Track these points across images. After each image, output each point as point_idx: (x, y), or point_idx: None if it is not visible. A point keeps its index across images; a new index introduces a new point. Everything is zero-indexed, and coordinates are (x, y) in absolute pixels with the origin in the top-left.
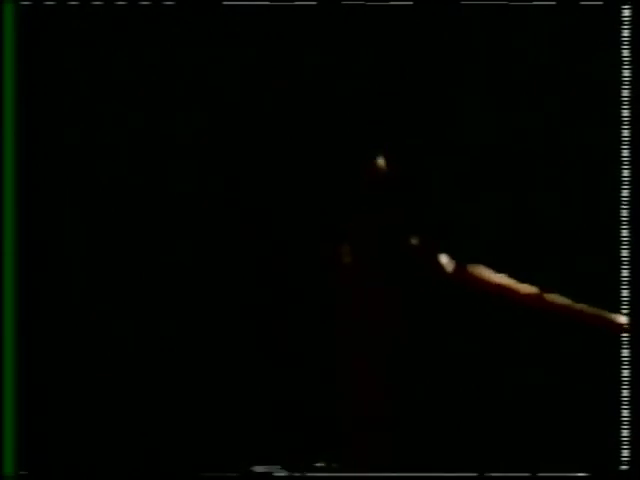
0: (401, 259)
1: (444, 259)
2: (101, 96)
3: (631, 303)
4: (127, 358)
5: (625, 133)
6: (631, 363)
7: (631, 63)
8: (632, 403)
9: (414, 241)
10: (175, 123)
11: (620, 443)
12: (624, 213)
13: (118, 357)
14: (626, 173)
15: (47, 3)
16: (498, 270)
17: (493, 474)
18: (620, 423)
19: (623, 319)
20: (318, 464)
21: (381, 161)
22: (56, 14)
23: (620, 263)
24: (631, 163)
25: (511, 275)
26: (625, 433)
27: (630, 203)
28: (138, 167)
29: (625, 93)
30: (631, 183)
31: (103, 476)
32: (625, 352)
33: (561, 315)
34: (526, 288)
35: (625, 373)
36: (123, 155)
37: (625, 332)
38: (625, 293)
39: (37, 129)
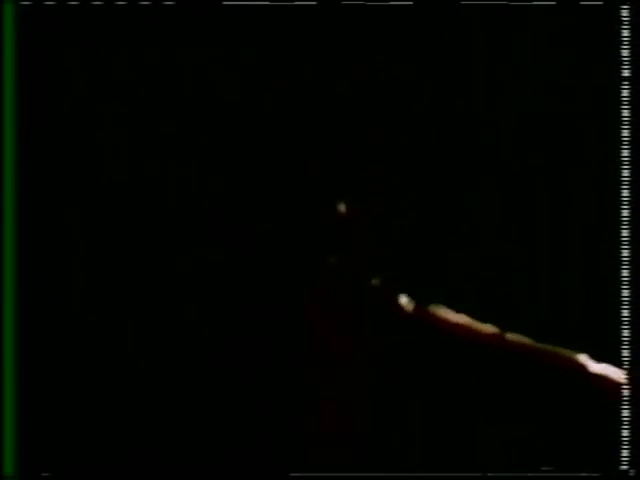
0: (363, 301)
1: (404, 299)
2: (101, 96)
3: (631, 303)
4: (128, 358)
5: (625, 133)
6: (631, 363)
7: (631, 63)
8: (632, 403)
9: (374, 282)
10: (175, 123)
11: (620, 443)
12: (624, 213)
13: (119, 357)
14: (626, 173)
15: (47, 3)
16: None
17: (491, 474)
18: (620, 423)
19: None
20: None
21: (342, 205)
22: (56, 14)
23: (620, 263)
24: (631, 163)
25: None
26: (625, 433)
27: (630, 203)
28: (138, 167)
29: (625, 93)
30: (631, 183)
31: (104, 476)
32: (625, 352)
33: (524, 356)
34: (486, 329)
35: (625, 373)
36: (123, 155)
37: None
38: (625, 293)
39: (37, 129)
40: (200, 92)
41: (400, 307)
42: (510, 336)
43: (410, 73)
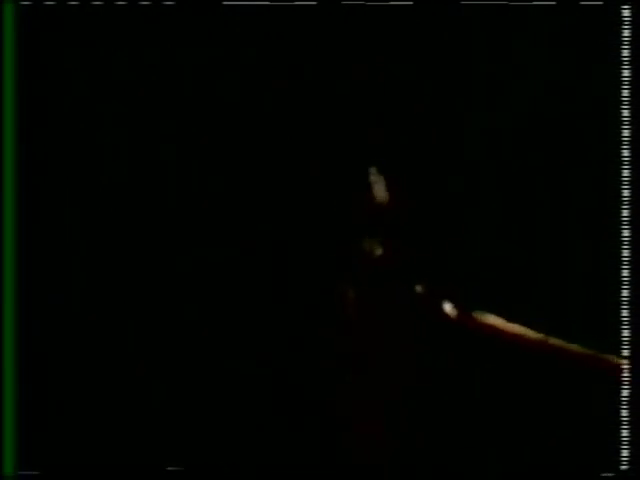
0: (406, 305)
1: (448, 306)
2: (101, 96)
3: (631, 303)
4: (128, 358)
5: (625, 133)
6: (631, 363)
7: (631, 63)
8: (632, 403)
9: (418, 288)
10: (175, 123)
11: (620, 443)
12: (624, 213)
13: (119, 357)
14: (626, 173)
15: (47, 3)
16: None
17: (491, 474)
18: (620, 423)
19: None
20: None
21: (381, 188)
22: (56, 14)
23: (620, 263)
24: (631, 163)
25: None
26: (625, 433)
27: (630, 203)
28: (138, 167)
29: (625, 93)
30: (631, 183)
31: (104, 476)
32: (625, 352)
33: (567, 361)
34: (530, 333)
35: (625, 373)
36: (123, 155)
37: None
38: (625, 293)
39: (37, 129)
40: (200, 92)
41: (444, 313)
42: (554, 341)
43: (410, 73)
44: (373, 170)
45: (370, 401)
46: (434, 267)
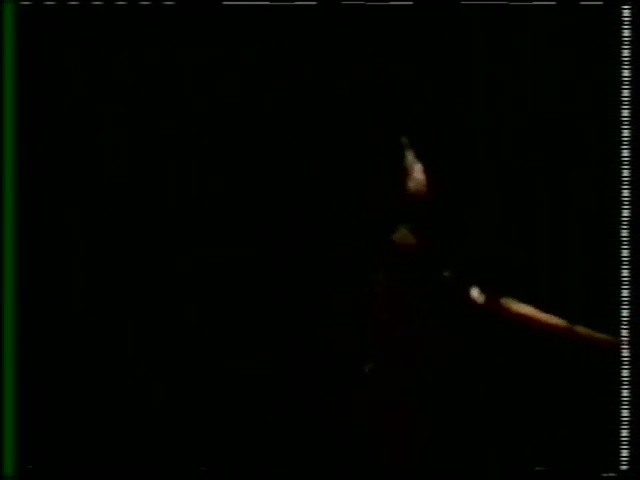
0: (433, 291)
1: (475, 291)
2: (101, 96)
3: (631, 303)
4: (128, 358)
5: (625, 133)
6: (631, 363)
7: (631, 63)
8: (632, 403)
9: (446, 273)
10: (175, 123)
11: (620, 443)
12: (624, 213)
13: (119, 357)
14: (626, 173)
15: (47, 3)
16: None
17: (491, 473)
18: (620, 423)
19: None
20: None
21: (419, 172)
22: (56, 14)
23: (620, 263)
24: (631, 163)
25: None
26: (625, 433)
27: (630, 203)
28: (138, 167)
29: (625, 93)
30: (631, 183)
31: (104, 476)
32: (625, 352)
33: (589, 347)
34: (556, 320)
35: (625, 373)
36: (123, 155)
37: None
38: (625, 293)
39: (37, 129)
40: (200, 92)
41: (472, 299)
42: (581, 329)
43: (410, 73)
44: (410, 157)
45: (396, 391)
46: (462, 253)
